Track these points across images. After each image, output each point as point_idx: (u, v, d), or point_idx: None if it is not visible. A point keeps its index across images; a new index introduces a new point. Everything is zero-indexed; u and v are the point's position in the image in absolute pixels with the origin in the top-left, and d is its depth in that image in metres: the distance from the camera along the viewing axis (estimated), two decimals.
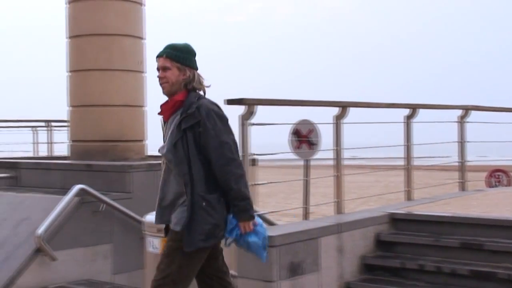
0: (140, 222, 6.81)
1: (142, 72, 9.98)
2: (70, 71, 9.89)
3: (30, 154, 14.37)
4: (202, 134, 4.04)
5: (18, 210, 7.91)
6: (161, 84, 4.24)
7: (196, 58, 4.29)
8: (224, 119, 4.11)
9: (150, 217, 5.32)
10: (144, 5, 10.07)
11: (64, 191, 7.67)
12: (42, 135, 14.90)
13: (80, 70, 9.73)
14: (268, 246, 4.22)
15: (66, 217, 7.20)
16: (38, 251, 6.92)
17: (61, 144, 13.81)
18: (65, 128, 11.76)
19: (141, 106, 9.97)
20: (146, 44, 10.12)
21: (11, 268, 6.87)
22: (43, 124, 14.68)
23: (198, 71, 4.25)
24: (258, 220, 4.14)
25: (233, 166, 4.02)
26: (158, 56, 4.25)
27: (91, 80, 9.60)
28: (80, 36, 9.73)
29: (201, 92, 4.25)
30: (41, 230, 6.84)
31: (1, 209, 8.10)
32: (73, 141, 9.92)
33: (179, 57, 4.18)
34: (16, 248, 7.14)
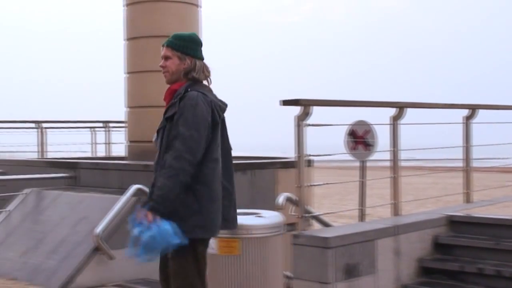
0: None
1: None
2: (128, 73, 10.03)
3: (89, 155, 14.63)
4: (174, 124, 3.99)
5: (77, 209, 8.05)
6: (163, 73, 4.24)
7: (202, 48, 4.23)
8: (197, 112, 3.94)
9: None
10: (201, 7, 10.14)
11: (121, 191, 7.77)
12: (100, 136, 15.14)
13: (137, 71, 9.86)
14: (148, 250, 3.82)
15: (123, 216, 7.29)
16: (96, 249, 7.03)
17: (119, 145, 14.02)
18: (123, 129, 11.93)
19: None
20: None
21: (70, 266, 7.00)
22: (101, 125, 14.93)
23: (203, 62, 4.21)
24: (166, 225, 3.80)
25: (172, 155, 3.88)
26: (162, 45, 4.26)
27: (148, 81, 9.71)
28: (137, 38, 9.87)
29: (205, 82, 4.21)
30: (99, 229, 6.95)
31: (60, 208, 8.27)
32: (130, 141, 10.05)
33: (180, 45, 4.16)
34: (75, 247, 7.27)
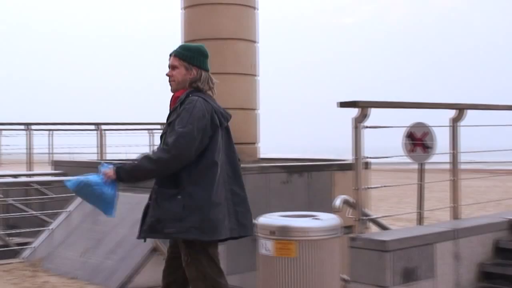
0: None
1: (255, 75, 10.07)
2: None
3: None
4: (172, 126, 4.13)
5: (135, 210, 8.14)
6: (168, 82, 4.32)
7: (206, 59, 4.36)
8: (194, 113, 4.06)
9: (263, 219, 5.34)
10: (257, 9, 10.15)
11: None
12: (158, 138, 15.33)
13: None
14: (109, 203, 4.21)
15: None
16: (154, 250, 7.10)
17: None
18: None
19: (254, 109, 10.06)
20: (259, 47, 10.21)
21: (128, 267, 7.09)
22: (158, 126, 15.09)
23: (209, 73, 4.32)
24: (109, 190, 4.13)
25: (163, 151, 4.05)
26: (170, 55, 4.34)
27: None
28: (195, 40, 9.92)
29: (210, 93, 4.32)
30: None
31: (119, 209, 8.38)
32: None
33: (187, 56, 4.27)
34: (134, 247, 7.36)
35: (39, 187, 10.88)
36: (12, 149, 15.91)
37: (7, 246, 9.24)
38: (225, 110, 4.34)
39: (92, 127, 14.27)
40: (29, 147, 13.26)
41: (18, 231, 9.80)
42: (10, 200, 10.35)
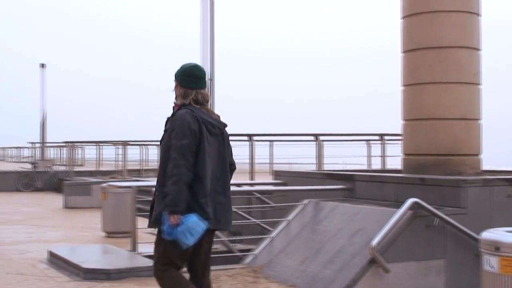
0: (475, 239, 6.57)
1: (478, 84, 9.68)
2: (404, 85, 9.97)
3: (364, 167, 14.79)
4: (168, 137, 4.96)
5: (353, 221, 8.16)
6: None
7: (192, 78, 5.07)
8: (184, 126, 4.84)
9: (487, 234, 5.09)
10: (480, 15, 9.76)
11: (397, 204, 7.72)
12: (376, 149, 15.26)
13: (414, 84, 9.75)
14: (192, 235, 4.75)
15: (399, 230, 7.23)
16: (372, 262, 7.05)
17: (394, 158, 13.99)
18: (398, 142, 11.88)
19: (476, 119, 9.67)
20: (482, 55, 9.80)
21: (346, 277, 7.10)
22: (376, 138, 15.04)
23: (197, 90, 5.05)
24: (191, 217, 4.75)
25: (171, 165, 4.79)
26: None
27: (425, 93, 9.56)
28: (415, 50, 9.76)
29: (206, 106, 5.09)
30: (375, 241, 6.96)
31: (337, 219, 8.44)
32: (406, 154, 9.96)
33: (176, 75, 5.15)
34: (352, 258, 7.36)
35: (260, 196, 11.28)
36: (236, 159, 16.68)
37: (231, 252, 9.68)
38: (218, 120, 5.09)
39: (311, 138, 14.55)
40: (252, 157, 13.81)
41: (240, 238, 10.22)
42: (233, 208, 10.83)
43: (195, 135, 4.85)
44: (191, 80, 5.09)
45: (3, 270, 8.32)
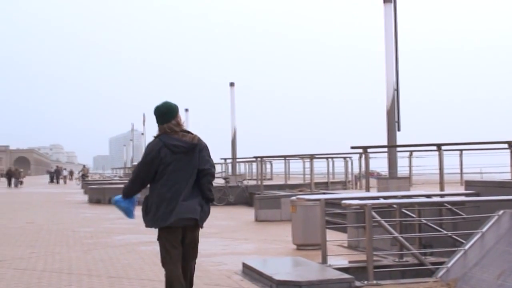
0: None
1: None
2: None
3: None
4: None
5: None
6: None
7: (158, 118, 6.53)
8: (144, 157, 6.51)
9: None
10: None
11: None
12: None
13: None
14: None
15: None
16: None
17: None
18: None
19: None
20: None
21: None
22: None
23: (163, 125, 6.51)
24: (124, 203, 6.72)
25: (129, 181, 6.73)
26: None
27: None
28: None
29: (177, 131, 6.48)
30: None
31: None
32: None
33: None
34: None
35: (451, 207, 10.95)
36: (424, 170, 16.30)
37: (422, 264, 9.47)
38: (185, 141, 6.39)
39: (504, 145, 13.90)
40: (441, 167, 13.42)
41: (431, 250, 9.98)
42: (423, 220, 10.60)
43: (153, 159, 6.37)
44: (158, 119, 6.54)
45: (201, 281, 8.73)
